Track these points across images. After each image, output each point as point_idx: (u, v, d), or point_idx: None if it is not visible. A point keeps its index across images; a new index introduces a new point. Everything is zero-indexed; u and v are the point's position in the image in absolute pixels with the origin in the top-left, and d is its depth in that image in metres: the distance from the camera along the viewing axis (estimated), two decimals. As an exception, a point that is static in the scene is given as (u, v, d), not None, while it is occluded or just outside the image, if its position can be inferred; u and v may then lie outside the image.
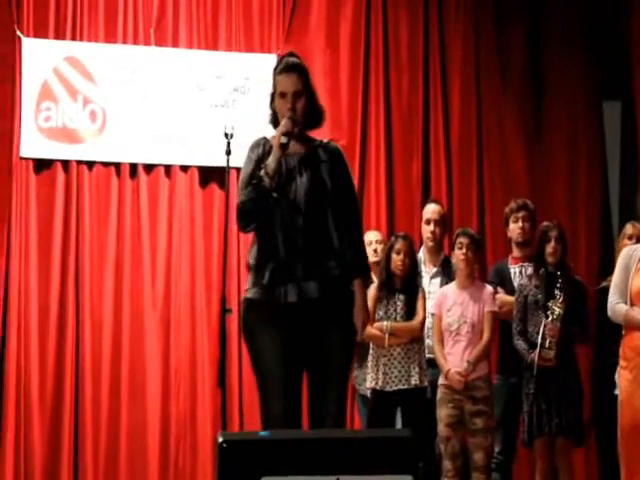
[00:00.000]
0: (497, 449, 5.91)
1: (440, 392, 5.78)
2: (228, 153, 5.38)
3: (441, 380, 5.79)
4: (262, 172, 4.09)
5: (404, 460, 2.78)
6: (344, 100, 7.25)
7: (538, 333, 5.56)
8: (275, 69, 4.30)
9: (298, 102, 4.19)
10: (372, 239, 6.30)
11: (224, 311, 5.25)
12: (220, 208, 6.80)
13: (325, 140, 4.37)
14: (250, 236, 6.55)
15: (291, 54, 4.35)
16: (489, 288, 5.92)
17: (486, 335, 5.77)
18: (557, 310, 5.53)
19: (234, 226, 6.67)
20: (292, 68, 4.22)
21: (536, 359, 5.54)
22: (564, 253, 5.79)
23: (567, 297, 5.56)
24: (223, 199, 6.13)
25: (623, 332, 5.36)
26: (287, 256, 4.12)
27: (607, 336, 5.60)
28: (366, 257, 4.35)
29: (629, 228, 6.12)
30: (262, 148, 4.24)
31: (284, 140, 4.08)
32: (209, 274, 6.89)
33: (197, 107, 7.02)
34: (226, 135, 5.40)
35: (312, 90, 4.27)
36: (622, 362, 5.32)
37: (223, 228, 5.83)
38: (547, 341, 5.52)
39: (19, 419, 6.50)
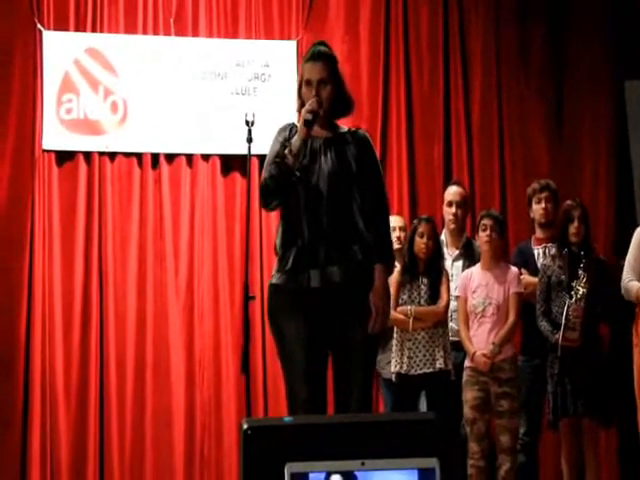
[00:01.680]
0: (522, 430, 5.90)
1: (466, 375, 5.78)
2: (249, 141, 5.38)
3: (467, 362, 5.79)
4: (286, 150, 4.11)
5: (429, 443, 2.78)
6: (364, 85, 7.22)
7: (562, 314, 5.53)
8: (304, 58, 4.35)
9: (323, 90, 4.21)
10: (395, 225, 6.12)
11: (247, 298, 5.26)
12: (242, 196, 6.78)
13: (354, 128, 4.39)
14: (274, 223, 6.64)
15: (320, 43, 4.38)
16: (514, 269, 5.90)
17: (511, 317, 5.76)
18: (581, 290, 5.49)
19: (256, 214, 6.76)
20: (318, 57, 4.26)
21: (560, 340, 5.52)
22: (588, 233, 5.76)
23: (591, 277, 5.53)
24: (245, 187, 6.13)
25: (637, 310, 5.36)
26: (310, 240, 4.13)
27: (627, 315, 5.58)
28: (390, 243, 4.32)
29: None
30: (289, 132, 4.28)
31: (309, 117, 4.09)
32: (232, 262, 6.90)
33: (218, 95, 7.02)
34: (247, 122, 5.40)
35: (340, 79, 4.29)
36: (635, 339, 5.33)
37: (245, 216, 5.83)
38: (571, 322, 5.49)
39: (45, 408, 6.53)
